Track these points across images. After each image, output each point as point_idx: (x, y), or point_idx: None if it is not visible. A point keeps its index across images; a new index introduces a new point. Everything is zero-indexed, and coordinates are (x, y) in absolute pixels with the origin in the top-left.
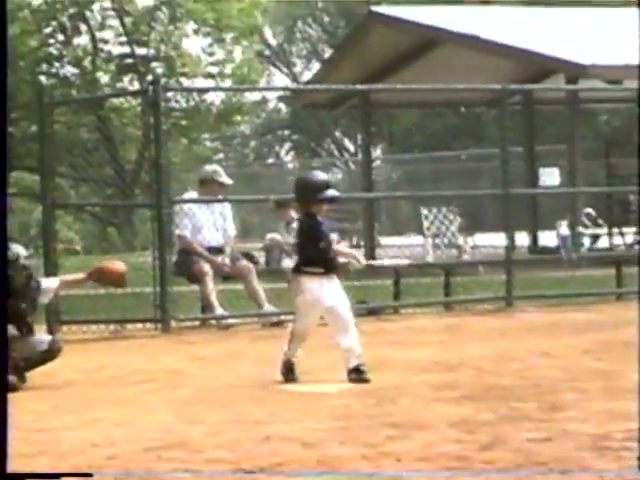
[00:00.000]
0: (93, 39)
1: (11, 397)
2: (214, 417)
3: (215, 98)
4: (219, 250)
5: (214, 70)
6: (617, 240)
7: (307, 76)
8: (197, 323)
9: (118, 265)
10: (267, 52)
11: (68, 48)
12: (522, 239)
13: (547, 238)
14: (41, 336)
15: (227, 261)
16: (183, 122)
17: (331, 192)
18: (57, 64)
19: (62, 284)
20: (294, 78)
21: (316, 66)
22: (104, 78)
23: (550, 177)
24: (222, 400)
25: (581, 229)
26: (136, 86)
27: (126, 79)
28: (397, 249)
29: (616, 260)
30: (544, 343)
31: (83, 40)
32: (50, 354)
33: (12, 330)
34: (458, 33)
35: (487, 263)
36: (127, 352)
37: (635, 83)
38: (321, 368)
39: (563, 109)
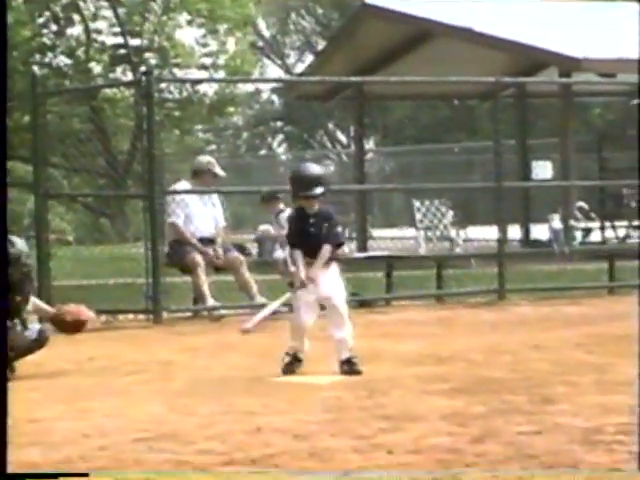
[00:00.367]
0: (86, 29)
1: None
2: (205, 408)
3: (208, 89)
4: (211, 241)
5: (207, 61)
6: (609, 234)
7: (300, 68)
8: (189, 314)
9: (83, 314)
10: (260, 43)
11: (61, 38)
12: (514, 232)
13: (539, 231)
14: (30, 325)
15: (220, 251)
16: (176, 113)
17: (319, 189)
18: (50, 54)
19: (34, 306)
20: (287, 70)
21: (309, 58)
22: (97, 68)
23: (543, 170)
24: (214, 391)
25: (573, 222)
26: (129, 77)
27: (119, 70)
28: (389, 241)
29: (609, 254)
30: (536, 336)
31: (76, 30)
32: (38, 343)
33: None
34: (451, 25)
35: (479, 256)
36: (119, 343)
37: (628, 77)
38: (312, 360)
39: (556, 102)
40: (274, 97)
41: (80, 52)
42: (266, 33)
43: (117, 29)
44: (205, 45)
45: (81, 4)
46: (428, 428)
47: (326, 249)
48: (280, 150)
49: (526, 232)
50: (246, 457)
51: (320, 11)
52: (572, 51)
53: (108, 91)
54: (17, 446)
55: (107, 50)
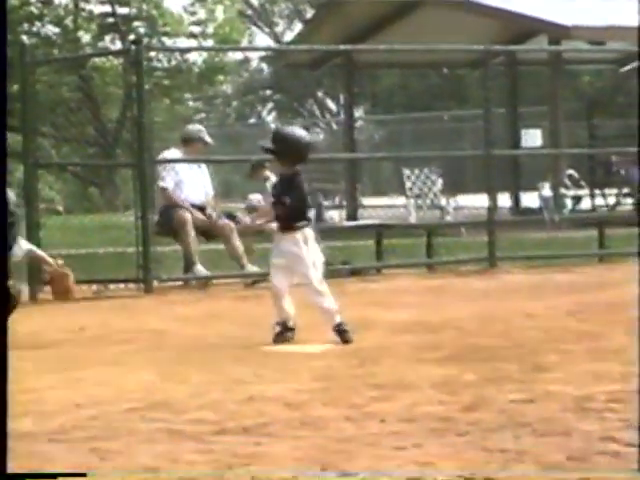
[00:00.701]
0: None
1: None
2: (197, 377)
3: (197, 58)
4: (201, 208)
5: (196, 30)
6: (599, 201)
7: (289, 36)
8: (180, 283)
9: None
10: (249, 12)
11: (49, 7)
12: (504, 200)
13: (529, 199)
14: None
15: (214, 215)
16: (165, 82)
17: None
18: (38, 23)
19: (35, 254)
20: (276, 38)
21: (298, 26)
22: (86, 37)
23: (532, 138)
24: (205, 360)
25: (563, 190)
26: (118, 45)
27: (108, 38)
28: (379, 210)
29: (598, 221)
30: (527, 304)
31: None
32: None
33: None
34: None
35: (469, 224)
36: (110, 312)
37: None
38: (303, 328)
39: (546, 70)
40: (263, 65)
41: (68, 21)
42: (254, 1)
43: None
44: (193, 13)
45: None
46: (420, 396)
47: (264, 209)
48: (269, 118)
49: (516, 200)
50: (238, 426)
51: None
52: (561, 19)
53: (97, 60)
54: (10, 416)
55: (95, 19)
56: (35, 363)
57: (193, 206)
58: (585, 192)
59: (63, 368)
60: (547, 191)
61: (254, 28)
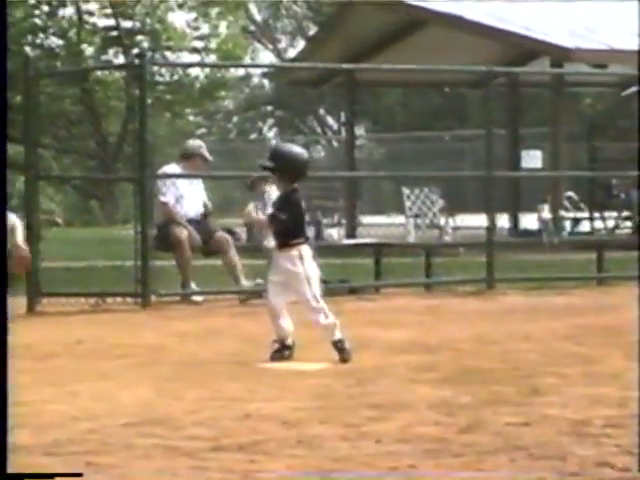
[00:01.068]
0: (78, 11)
1: None
2: (194, 393)
3: (199, 73)
4: (198, 222)
5: (199, 44)
6: (598, 224)
7: (292, 53)
8: (177, 298)
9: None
10: (252, 28)
11: (53, 19)
12: (503, 221)
13: (528, 221)
14: None
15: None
16: (167, 96)
17: None
18: (42, 35)
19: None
20: (278, 54)
21: (301, 43)
22: (89, 50)
23: (533, 160)
24: (202, 376)
25: (562, 213)
26: (121, 59)
27: (111, 52)
28: (378, 228)
29: (597, 244)
30: (524, 326)
31: (68, 12)
32: None
33: None
34: (443, 13)
35: (468, 245)
36: (107, 326)
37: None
38: (300, 346)
39: (547, 92)
40: (265, 82)
41: (72, 34)
42: (258, 17)
43: (109, 11)
44: (197, 28)
45: None
46: (416, 417)
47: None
48: (270, 135)
49: (515, 221)
50: (234, 443)
51: None
52: (563, 41)
53: (100, 73)
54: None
55: (99, 32)
56: (32, 376)
57: (192, 221)
58: (584, 215)
59: (60, 381)
60: (546, 213)
61: (257, 44)
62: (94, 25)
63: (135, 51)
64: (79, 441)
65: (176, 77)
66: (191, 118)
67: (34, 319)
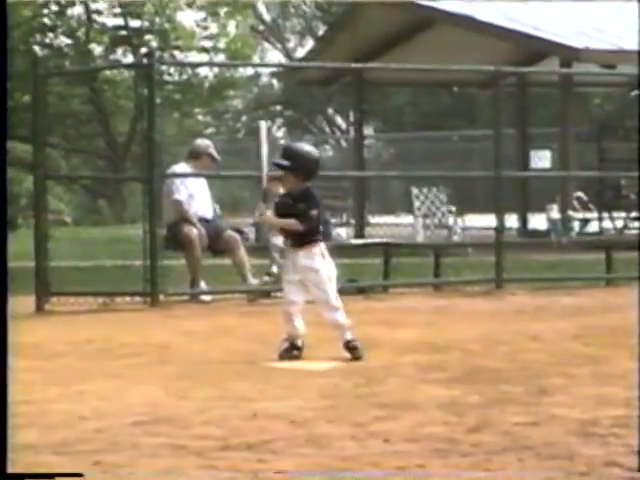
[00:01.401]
0: (87, 10)
1: None
2: (202, 393)
3: (208, 72)
4: (207, 222)
5: (207, 44)
6: (607, 224)
7: (300, 52)
8: (186, 297)
9: None
10: (261, 27)
11: (62, 18)
12: (512, 221)
13: (537, 221)
14: None
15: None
16: (176, 95)
17: None
18: (51, 34)
19: None
20: (287, 54)
21: (310, 43)
22: (97, 49)
23: (541, 160)
24: (210, 376)
25: (571, 213)
26: (129, 58)
27: (119, 51)
28: (387, 228)
29: (606, 245)
30: (533, 327)
31: (77, 11)
32: None
33: None
34: (453, 13)
35: (477, 245)
36: (115, 325)
37: (628, 68)
38: (308, 345)
39: (556, 92)
40: (274, 81)
41: (80, 33)
42: (266, 17)
43: (118, 10)
44: (205, 28)
45: None
46: (424, 417)
47: (292, 221)
48: (279, 134)
49: (524, 221)
50: (243, 442)
51: None
52: (573, 41)
53: (108, 72)
54: (14, 427)
55: (107, 31)
56: (40, 375)
57: (201, 220)
58: (593, 215)
59: (68, 381)
60: (555, 213)
61: (265, 43)
62: (103, 24)
63: (144, 50)
64: (87, 440)
65: (185, 76)
66: (200, 117)
67: (42, 318)
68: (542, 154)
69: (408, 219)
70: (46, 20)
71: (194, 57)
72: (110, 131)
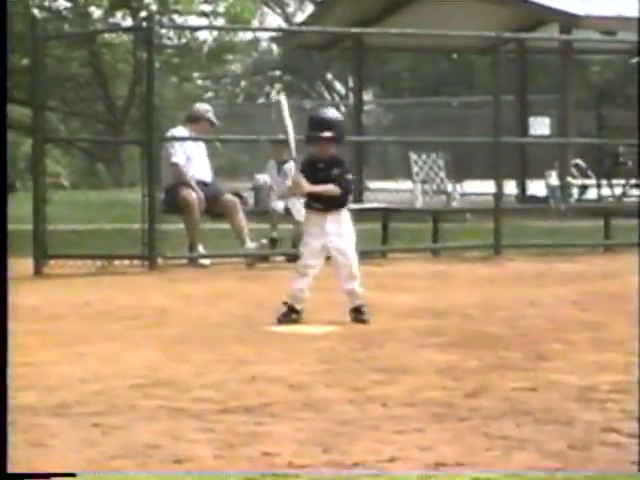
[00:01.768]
0: None
1: None
2: (200, 356)
3: (207, 37)
4: (205, 185)
5: (207, 8)
6: (606, 191)
7: (300, 17)
8: (184, 261)
9: None
10: None
11: None
12: (510, 188)
13: (536, 187)
14: None
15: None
16: (174, 60)
17: (327, 133)
18: None
19: None
20: (287, 19)
21: (309, 7)
22: (97, 12)
23: (540, 126)
24: (208, 339)
25: (570, 180)
26: (129, 22)
27: (119, 14)
28: (386, 193)
29: (605, 212)
30: (531, 292)
31: None
32: None
33: None
34: None
35: (475, 211)
36: (114, 288)
37: (628, 35)
38: (308, 310)
39: (556, 59)
40: (273, 46)
41: None
42: None
43: None
44: None
45: None
46: (422, 381)
47: (331, 186)
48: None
49: (522, 188)
50: (241, 405)
51: None
52: (573, 8)
53: (107, 36)
54: (13, 389)
55: None
56: (39, 337)
57: (199, 183)
58: (592, 182)
59: (67, 343)
60: (554, 180)
61: (265, 8)
62: None
63: (143, 14)
64: (86, 402)
65: (184, 41)
66: (199, 82)
67: (41, 281)
68: (541, 121)
69: (406, 185)
70: None
71: (193, 21)
72: (109, 94)
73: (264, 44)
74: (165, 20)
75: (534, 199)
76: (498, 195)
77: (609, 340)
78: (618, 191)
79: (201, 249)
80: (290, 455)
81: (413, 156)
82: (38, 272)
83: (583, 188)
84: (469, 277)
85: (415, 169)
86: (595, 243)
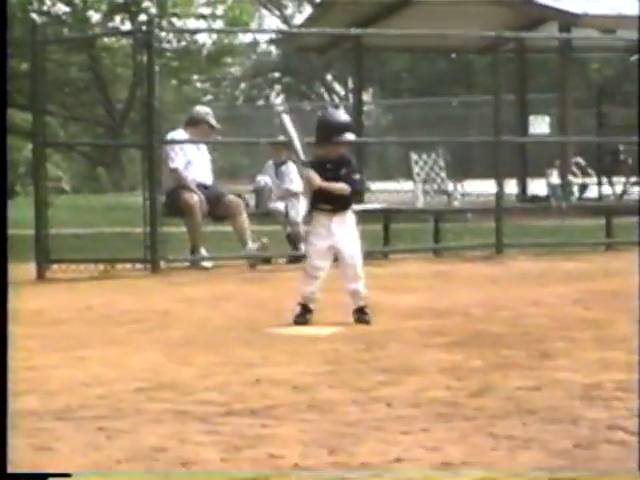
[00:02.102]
0: None
1: None
2: (204, 359)
3: (206, 39)
4: (206, 188)
5: (205, 11)
6: (607, 190)
7: (298, 19)
8: (186, 264)
9: None
10: None
11: None
12: (511, 187)
13: (536, 186)
14: None
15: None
16: (174, 63)
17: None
18: (49, 2)
19: None
20: (285, 21)
21: (307, 9)
22: (95, 17)
23: (540, 125)
24: (212, 342)
25: (571, 178)
26: (127, 26)
27: (117, 18)
28: (387, 194)
29: (606, 210)
30: (534, 291)
31: None
32: None
33: None
34: None
35: (477, 210)
36: (116, 292)
37: (627, 33)
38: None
39: (555, 57)
40: (272, 48)
41: (78, 0)
42: None
43: None
44: None
45: None
46: (426, 381)
47: (343, 185)
48: (277, 101)
49: (523, 187)
50: (245, 408)
51: None
52: (572, 6)
53: (106, 40)
54: (15, 394)
55: None
56: (41, 341)
57: (200, 186)
58: (593, 180)
59: (69, 347)
60: (555, 178)
61: (263, 10)
62: None
63: (142, 18)
64: (90, 406)
65: (183, 44)
66: (198, 85)
67: (43, 285)
68: (541, 119)
69: (407, 185)
70: None
71: (192, 25)
72: (109, 98)
73: (263, 46)
74: (164, 23)
75: (535, 198)
76: (499, 194)
77: (612, 338)
78: (619, 189)
79: (203, 251)
80: (296, 457)
81: (414, 156)
82: (40, 276)
83: (584, 186)
84: (471, 277)
85: (416, 169)
86: (597, 241)
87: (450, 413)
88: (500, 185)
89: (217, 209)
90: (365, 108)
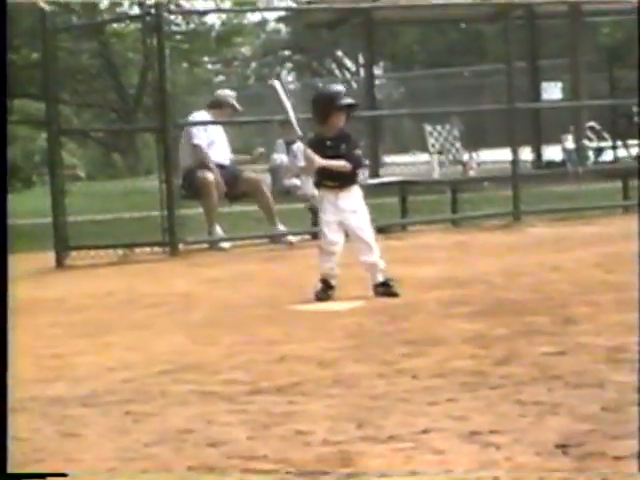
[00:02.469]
0: None
1: (23, 325)
2: (228, 339)
3: (215, 20)
4: (224, 167)
5: None
6: (622, 152)
7: None
8: (205, 246)
9: None
10: None
11: None
12: (526, 154)
13: (551, 152)
14: None
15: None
16: (184, 45)
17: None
18: None
19: None
20: None
21: None
22: (104, 2)
23: (553, 91)
24: (235, 321)
25: (586, 142)
26: (136, 10)
27: (126, 3)
28: (402, 167)
29: (622, 173)
30: (554, 257)
31: None
32: None
33: None
34: None
35: (493, 179)
36: (136, 276)
37: None
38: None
39: (565, 23)
40: (281, 26)
41: None
42: None
43: None
44: None
45: None
46: (451, 351)
47: (343, 162)
48: (289, 79)
49: (538, 154)
50: (272, 386)
51: None
52: None
53: (115, 25)
54: (42, 381)
55: None
56: (64, 328)
57: (218, 166)
58: (607, 144)
59: (92, 333)
60: (570, 143)
61: None
62: None
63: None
64: (115, 391)
65: (192, 26)
66: (209, 66)
67: (64, 273)
68: (553, 85)
69: (422, 157)
70: None
71: (200, 5)
72: (121, 84)
73: (272, 25)
74: (172, 6)
75: (551, 164)
76: (515, 162)
77: (634, 300)
78: (634, 151)
79: (219, 231)
80: (324, 432)
81: (428, 128)
82: (60, 264)
83: (599, 150)
84: (490, 245)
85: (431, 141)
86: (614, 204)
87: (476, 382)
88: (515, 152)
89: (235, 188)
90: (377, 82)
